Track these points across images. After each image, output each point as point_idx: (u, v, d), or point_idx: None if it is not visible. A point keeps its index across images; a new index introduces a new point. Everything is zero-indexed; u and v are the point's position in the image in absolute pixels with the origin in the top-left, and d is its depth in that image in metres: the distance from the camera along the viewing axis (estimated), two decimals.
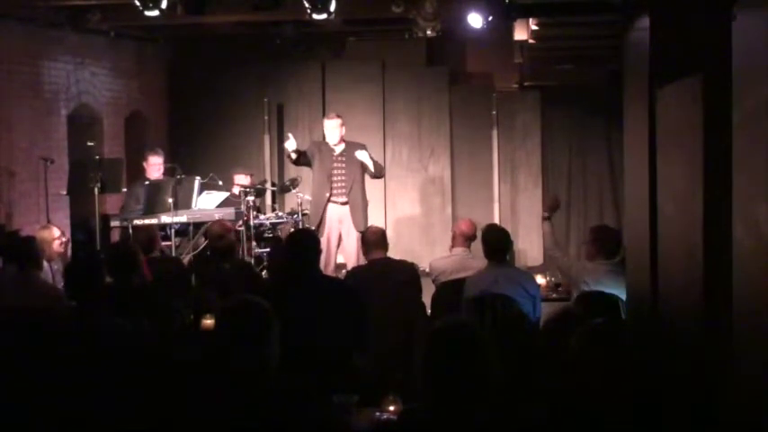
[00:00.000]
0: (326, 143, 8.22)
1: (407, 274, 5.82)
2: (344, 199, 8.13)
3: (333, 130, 8.15)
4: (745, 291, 3.12)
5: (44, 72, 8.52)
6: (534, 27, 7.48)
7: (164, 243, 7.85)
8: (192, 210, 8.09)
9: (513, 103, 10.63)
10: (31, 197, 8.17)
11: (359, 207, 8.12)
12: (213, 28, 9.51)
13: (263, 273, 8.13)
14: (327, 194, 8.11)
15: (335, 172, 8.12)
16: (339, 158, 8.17)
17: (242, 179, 8.98)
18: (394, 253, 6.12)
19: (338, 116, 8.24)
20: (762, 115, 2.94)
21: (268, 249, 8.56)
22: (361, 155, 8.06)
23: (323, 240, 8.12)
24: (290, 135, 8.31)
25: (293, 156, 8.20)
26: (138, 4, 6.83)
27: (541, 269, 9.31)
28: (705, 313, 3.69)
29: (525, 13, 7.16)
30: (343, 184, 8.12)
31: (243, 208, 8.34)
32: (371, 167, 8.17)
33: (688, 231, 3.86)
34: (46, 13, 8.22)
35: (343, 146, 8.20)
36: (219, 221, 6.75)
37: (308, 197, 8.87)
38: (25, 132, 8.20)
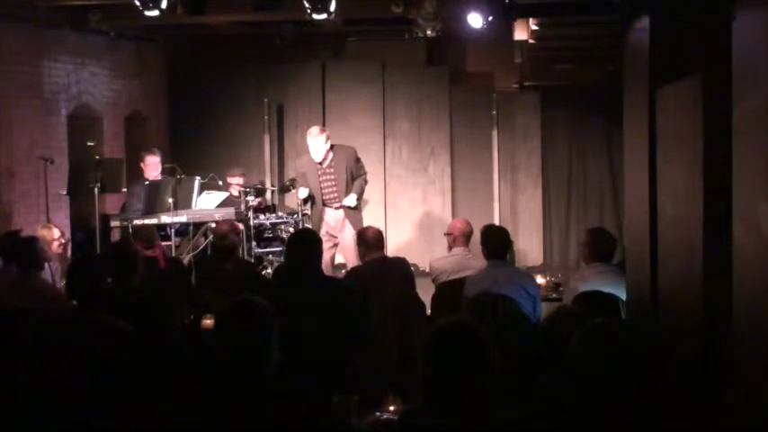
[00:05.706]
0: (311, 158, 8.00)
1: (403, 271, 5.81)
2: (338, 204, 8.07)
3: (318, 147, 7.91)
4: (746, 291, 3.12)
5: (44, 72, 8.51)
6: (534, 27, 7.48)
7: (164, 243, 7.86)
8: (192, 210, 8.08)
9: (513, 103, 10.62)
10: (31, 197, 8.17)
11: (352, 209, 8.06)
12: (213, 28, 9.51)
13: (263, 273, 8.13)
14: (321, 203, 8.08)
15: (324, 184, 8.02)
16: (327, 171, 8.01)
17: (235, 180, 8.95)
18: (394, 253, 6.11)
19: (321, 131, 7.96)
20: (762, 115, 2.94)
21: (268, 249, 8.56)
22: (349, 200, 7.94)
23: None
24: (302, 188, 8.17)
25: (305, 202, 8.19)
26: (138, 4, 6.83)
27: (541, 269, 9.31)
28: (705, 313, 3.69)
29: (525, 13, 7.16)
30: (335, 193, 8.02)
31: (243, 208, 8.33)
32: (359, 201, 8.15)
33: (688, 231, 3.86)
34: (46, 13, 8.22)
35: (330, 157, 8.01)
36: (228, 221, 6.73)
37: None
38: (25, 132, 8.19)
